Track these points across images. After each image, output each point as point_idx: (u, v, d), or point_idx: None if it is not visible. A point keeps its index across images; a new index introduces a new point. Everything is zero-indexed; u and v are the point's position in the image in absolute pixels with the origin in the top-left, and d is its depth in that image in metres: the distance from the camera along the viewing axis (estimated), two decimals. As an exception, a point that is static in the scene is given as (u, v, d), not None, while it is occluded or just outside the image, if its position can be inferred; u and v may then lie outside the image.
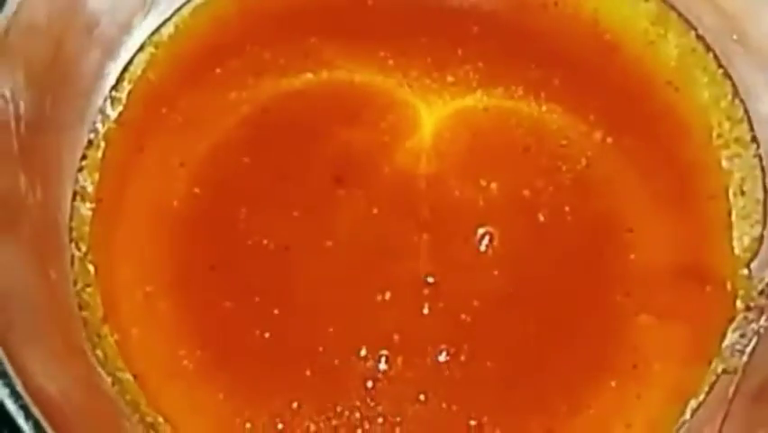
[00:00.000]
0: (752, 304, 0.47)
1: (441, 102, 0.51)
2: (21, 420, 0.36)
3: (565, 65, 0.52)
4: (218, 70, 0.51)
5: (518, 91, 0.51)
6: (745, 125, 0.50)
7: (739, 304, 0.48)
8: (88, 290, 0.46)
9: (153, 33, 0.51)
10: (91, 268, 0.47)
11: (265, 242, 0.48)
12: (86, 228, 0.48)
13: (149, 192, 0.49)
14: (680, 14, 0.51)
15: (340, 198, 0.49)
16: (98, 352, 0.45)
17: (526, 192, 0.50)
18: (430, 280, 0.48)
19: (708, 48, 0.51)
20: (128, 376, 0.45)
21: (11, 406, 0.36)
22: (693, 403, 0.46)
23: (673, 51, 0.51)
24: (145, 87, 0.51)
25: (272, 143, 0.50)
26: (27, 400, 0.36)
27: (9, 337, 0.38)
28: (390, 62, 0.51)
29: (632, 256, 0.49)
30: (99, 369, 0.44)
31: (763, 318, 0.47)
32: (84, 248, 0.47)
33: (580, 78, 0.52)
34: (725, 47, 0.50)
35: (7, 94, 0.44)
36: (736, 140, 0.50)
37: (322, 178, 0.49)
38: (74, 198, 0.48)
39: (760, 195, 0.49)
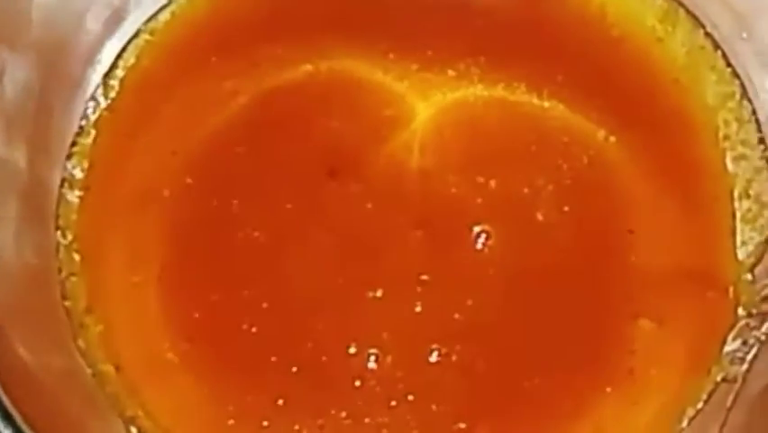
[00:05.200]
0: (754, 311, 0.46)
1: (441, 96, 0.50)
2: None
3: (570, 60, 0.50)
4: (214, 59, 0.50)
5: (521, 87, 0.50)
6: (753, 126, 0.49)
7: (741, 311, 0.46)
8: (73, 279, 0.46)
9: (149, 20, 0.50)
10: (77, 257, 0.46)
11: (256, 234, 0.47)
12: (74, 216, 0.47)
13: (139, 181, 0.48)
14: (688, 11, 0.50)
15: (334, 191, 0.48)
16: (80, 342, 0.44)
17: (525, 190, 0.48)
18: (423, 277, 0.47)
19: (717, 46, 0.50)
20: (109, 368, 0.44)
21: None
22: (691, 411, 0.45)
23: (681, 49, 0.50)
24: (139, 75, 0.50)
25: (267, 134, 0.49)
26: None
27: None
28: (391, 55, 0.50)
29: (632, 258, 0.47)
30: (79, 359, 0.43)
31: (765, 326, 0.45)
32: (70, 236, 0.47)
33: (585, 75, 0.50)
34: (733, 45, 0.49)
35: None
36: (743, 141, 0.49)
37: (316, 170, 0.48)
38: (62, 186, 0.47)
39: (766, 198, 0.48)
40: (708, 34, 0.50)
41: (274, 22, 0.51)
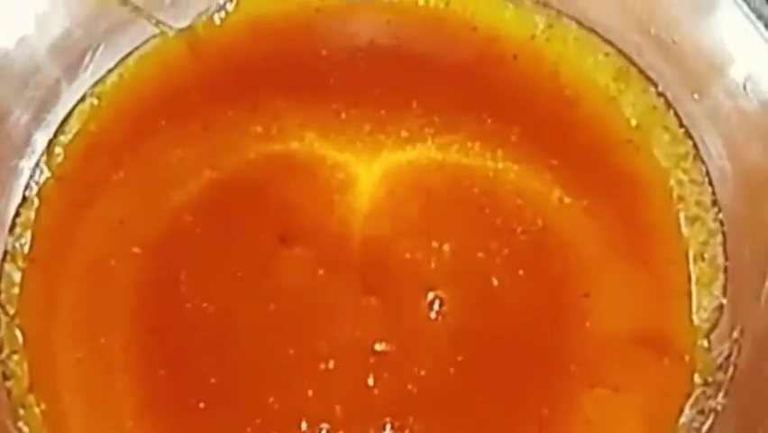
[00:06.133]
0: (710, 379, 0.45)
1: (393, 158, 0.49)
2: None
3: (524, 120, 0.50)
4: (164, 123, 0.49)
5: (474, 147, 0.49)
6: (707, 187, 0.48)
7: (697, 378, 0.46)
8: (15, 357, 0.44)
9: (96, 83, 0.49)
10: (18, 333, 0.45)
11: (205, 305, 0.46)
12: (15, 290, 0.46)
13: (85, 251, 0.47)
14: (641, 71, 0.50)
15: (285, 258, 0.47)
16: (21, 424, 0.43)
17: (480, 254, 0.48)
18: (376, 347, 0.46)
19: (669, 106, 0.49)
20: (53, 450, 0.43)
21: None
22: (647, 484, 0.44)
23: (634, 109, 0.50)
24: (85, 141, 0.49)
25: (217, 201, 0.48)
26: None
27: None
28: (343, 115, 0.50)
29: (587, 323, 0.47)
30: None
31: (721, 395, 0.45)
32: (12, 311, 0.45)
33: (539, 135, 0.50)
34: (686, 106, 0.49)
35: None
36: (697, 203, 0.48)
37: (267, 237, 0.47)
38: (4, 259, 0.46)
39: (721, 261, 0.47)
40: (660, 94, 0.49)
41: (224, 83, 0.50)
